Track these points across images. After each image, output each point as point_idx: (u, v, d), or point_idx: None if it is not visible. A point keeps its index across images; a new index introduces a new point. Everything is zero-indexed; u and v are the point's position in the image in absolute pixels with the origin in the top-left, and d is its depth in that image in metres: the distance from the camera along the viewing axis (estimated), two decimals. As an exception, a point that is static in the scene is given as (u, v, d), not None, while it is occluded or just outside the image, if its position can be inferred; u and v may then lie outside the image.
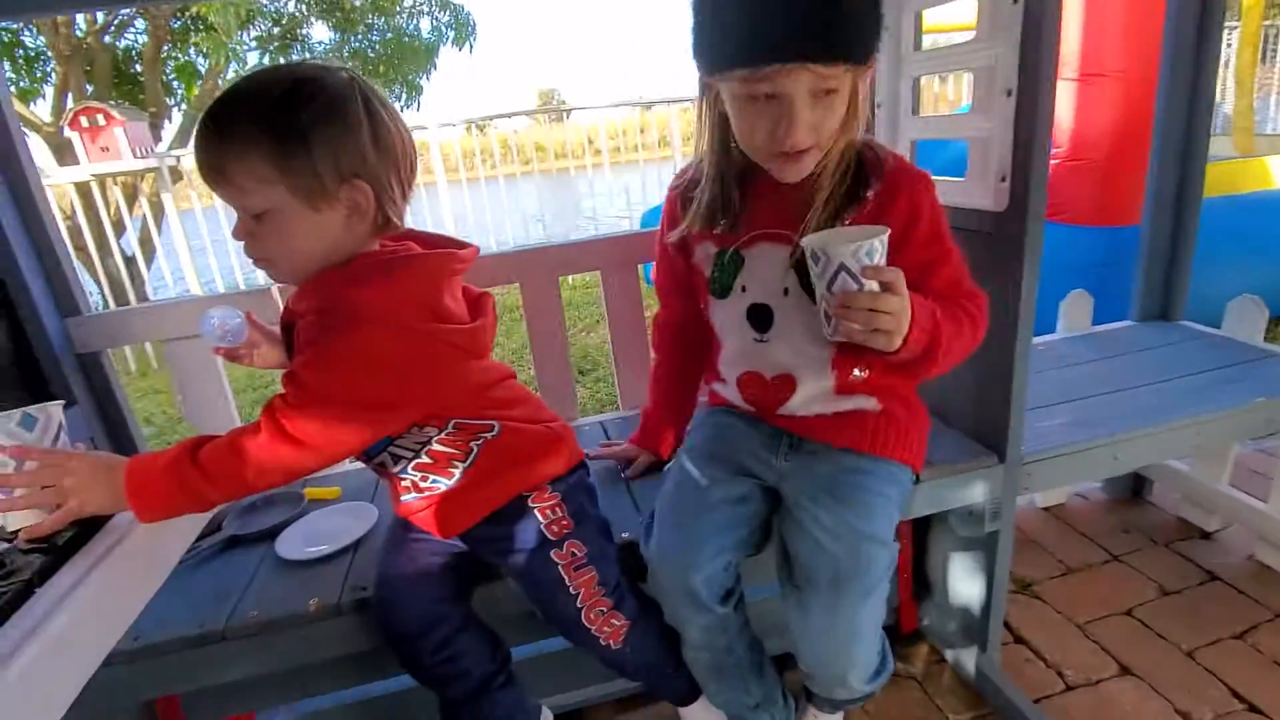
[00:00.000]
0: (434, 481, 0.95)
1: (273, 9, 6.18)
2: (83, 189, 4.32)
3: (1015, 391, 1.08)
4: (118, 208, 4.72)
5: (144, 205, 4.87)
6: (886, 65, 1.23)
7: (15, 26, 5.14)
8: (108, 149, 4.17)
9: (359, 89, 0.81)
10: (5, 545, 0.77)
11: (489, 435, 0.94)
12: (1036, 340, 1.58)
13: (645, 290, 1.39)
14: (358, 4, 6.34)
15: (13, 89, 5.35)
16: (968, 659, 1.32)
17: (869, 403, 1.00)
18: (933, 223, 0.93)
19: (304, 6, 6.24)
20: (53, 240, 1.19)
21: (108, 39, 5.49)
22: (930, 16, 1.21)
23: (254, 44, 6.07)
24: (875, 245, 0.78)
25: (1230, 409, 1.27)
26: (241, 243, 0.83)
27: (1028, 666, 1.36)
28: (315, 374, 0.80)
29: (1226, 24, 1.59)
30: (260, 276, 1.03)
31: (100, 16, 5.22)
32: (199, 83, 5.83)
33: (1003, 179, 1.02)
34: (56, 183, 4.22)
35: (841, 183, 0.91)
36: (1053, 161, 1.00)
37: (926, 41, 1.22)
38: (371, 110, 0.81)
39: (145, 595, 0.85)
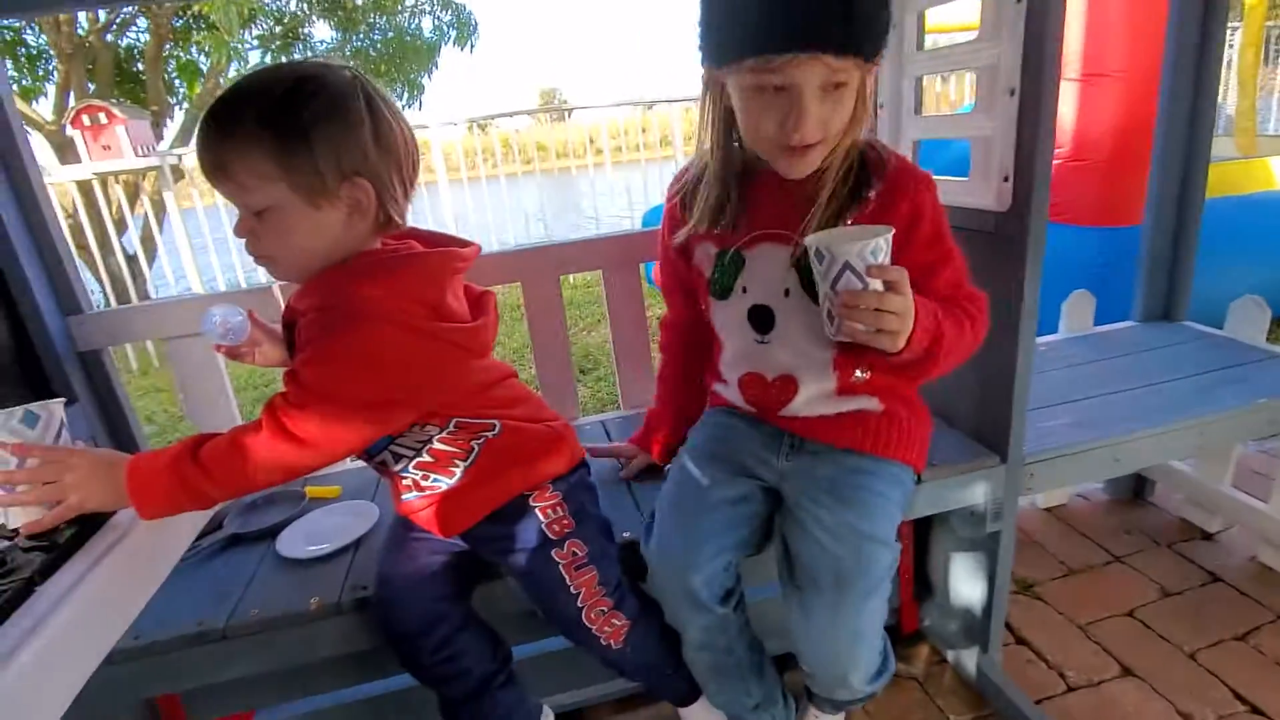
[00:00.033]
0: (435, 480, 0.95)
1: (274, 8, 6.19)
2: (84, 187, 4.32)
3: (1017, 392, 1.08)
4: (119, 206, 4.72)
5: (146, 204, 4.86)
6: (889, 65, 1.23)
7: (18, 25, 5.15)
8: (109, 147, 4.17)
9: (361, 87, 0.81)
10: (6, 543, 0.77)
11: (490, 434, 0.94)
12: (1038, 340, 1.58)
13: (647, 289, 1.39)
14: (359, 3, 6.34)
15: (15, 87, 5.36)
16: (969, 660, 1.32)
17: (871, 403, 1.00)
18: (935, 224, 0.92)
19: (306, 5, 6.24)
20: (54, 238, 1.19)
21: (110, 37, 5.50)
22: (930, 17, 1.21)
23: (256, 43, 6.07)
24: (880, 244, 0.78)
25: (1232, 410, 1.27)
26: (243, 240, 0.83)
27: (1029, 667, 1.35)
28: (316, 372, 0.80)
29: (1229, 24, 1.58)
30: (262, 274, 1.03)
31: (102, 15, 5.22)
32: (201, 81, 5.84)
33: (1005, 179, 1.02)
34: (58, 181, 4.22)
35: (844, 182, 0.91)
36: (1055, 162, 0.99)
37: (927, 42, 1.22)
38: (374, 108, 0.81)
39: (146, 593, 0.85)
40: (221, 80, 5.54)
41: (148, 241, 4.95)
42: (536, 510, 0.96)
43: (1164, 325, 1.67)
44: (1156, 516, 1.75)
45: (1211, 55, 1.48)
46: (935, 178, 0.96)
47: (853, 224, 0.91)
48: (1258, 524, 1.54)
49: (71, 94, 5.31)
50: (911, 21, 1.18)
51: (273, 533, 1.14)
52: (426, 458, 0.93)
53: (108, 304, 4.45)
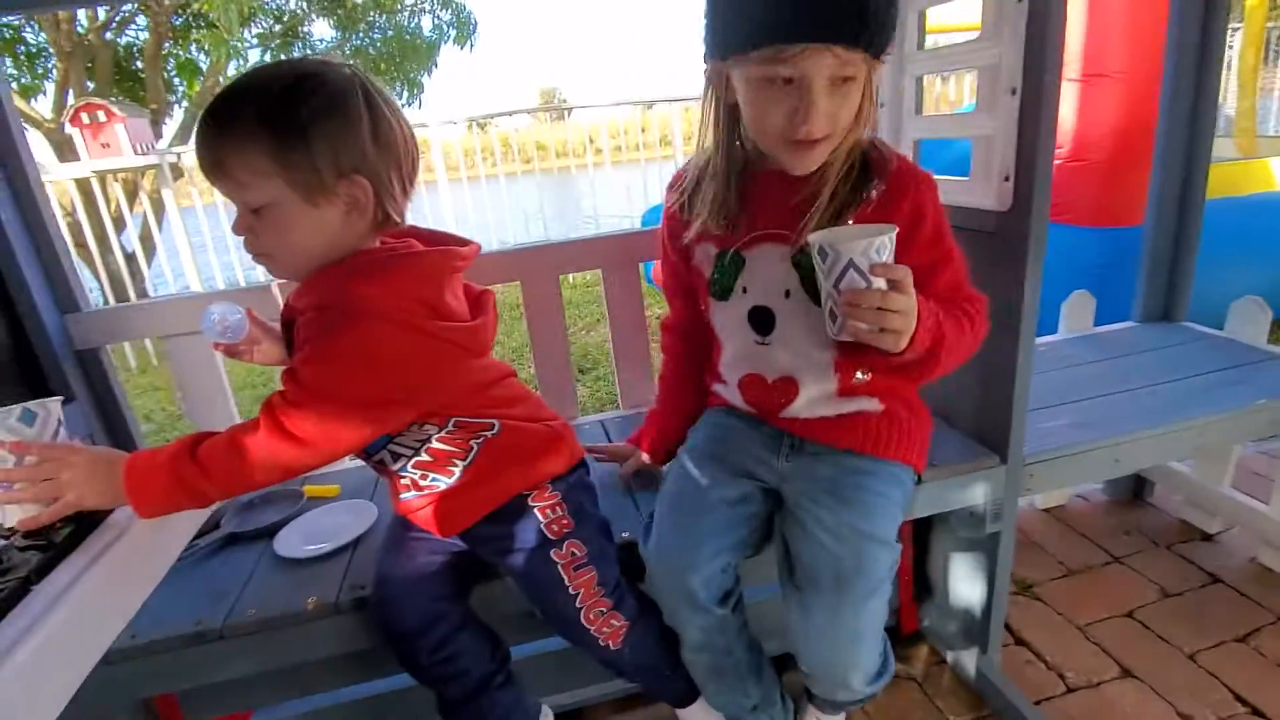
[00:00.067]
0: (433, 480, 0.94)
1: (274, 6, 6.19)
2: (83, 185, 4.32)
3: (1017, 392, 1.08)
4: (118, 204, 4.72)
5: (145, 202, 4.86)
6: (889, 64, 1.23)
7: (17, 23, 5.14)
8: (109, 145, 4.16)
9: (360, 85, 0.81)
10: (2, 542, 0.76)
11: (489, 434, 0.93)
12: (1038, 341, 1.58)
13: (646, 289, 1.39)
14: (359, 1, 6.34)
15: (14, 85, 5.35)
16: (968, 660, 1.31)
17: (871, 404, 1.00)
18: (936, 225, 0.92)
19: (305, 3, 6.24)
20: (52, 236, 1.18)
21: (109, 35, 5.49)
22: (930, 17, 1.21)
23: (255, 41, 6.07)
24: (885, 242, 0.77)
25: (1232, 411, 1.27)
26: (241, 238, 0.82)
27: (1028, 668, 1.35)
28: (314, 370, 0.80)
29: (1230, 25, 1.58)
30: (261, 273, 1.03)
31: (102, 13, 5.22)
32: (200, 80, 5.83)
33: (1006, 178, 1.01)
34: (57, 179, 4.22)
35: (846, 180, 0.91)
36: (1055, 162, 0.99)
37: (927, 42, 1.22)
38: (372, 106, 0.81)
39: (143, 593, 0.84)
40: (221, 79, 5.53)
41: (146, 240, 4.94)
42: (535, 510, 0.95)
43: (1164, 326, 1.67)
44: (1156, 517, 1.75)
45: (1212, 55, 1.48)
46: (936, 177, 0.95)
47: (854, 223, 0.90)
48: (1258, 525, 1.53)
49: (71, 92, 5.30)
50: (912, 20, 1.18)
51: (270, 532, 1.14)
52: (425, 457, 0.93)
53: (106, 303, 4.45)
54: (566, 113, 6.90)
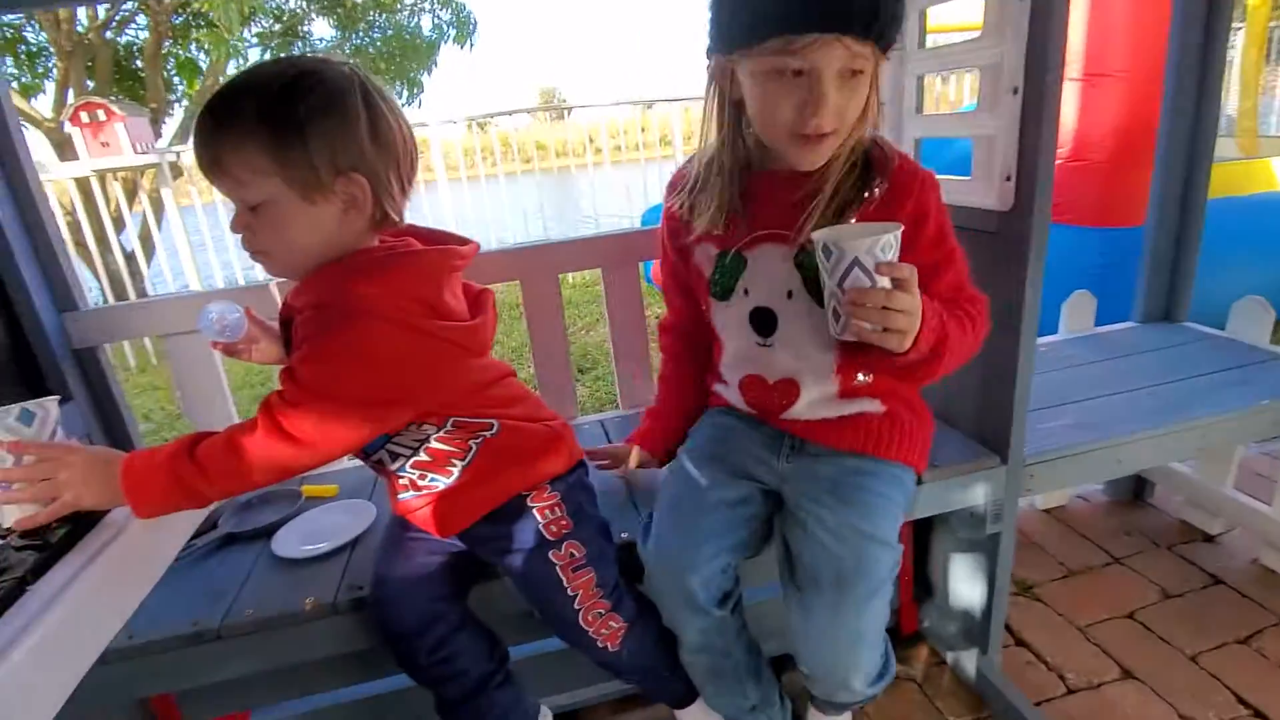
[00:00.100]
0: (432, 480, 0.94)
1: (274, 5, 6.19)
2: (83, 184, 4.31)
3: (1018, 392, 1.08)
4: (118, 204, 4.72)
5: (144, 201, 4.86)
6: (891, 63, 1.22)
7: (18, 22, 5.14)
8: (108, 144, 4.16)
9: (359, 83, 0.80)
10: (-1, 542, 0.76)
11: (488, 434, 0.93)
12: (1039, 341, 1.57)
13: (646, 288, 1.39)
14: (359, 1, 6.34)
15: (14, 84, 5.35)
16: (968, 661, 1.31)
17: (873, 405, 0.99)
18: (939, 225, 0.92)
19: (305, 2, 6.24)
20: (50, 235, 1.18)
21: (109, 35, 5.49)
22: (930, 17, 1.21)
23: (255, 40, 6.07)
24: (890, 240, 0.77)
25: (1235, 411, 1.26)
26: (239, 235, 0.82)
27: (1028, 669, 1.35)
28: (312, 370, 0.79)
29: (1232, 24, 1.58)
30: (260, 272, 1.03)
31: (102, 12, 5.22)
32: (200, 79, 5.84)
33: (1008, 178, 1.01)
34: (57, 178, 4.21)
35: (848, 177, 0.90)
36: (1056, 162, 0.99)
37: (927, 42, 1.21)
38: (371, 104, 0.80)
39: (140, 593, 0.84)
40: (221, 78, 5.53)
41: (146, 239, 4.94)
42: (534, 510, 0.95)
43: (1165, 326, 1.67)
44: (1157, 518, 1.75)
45: (1215, 55, 1.47)
46: (937, 177, 0.95)
47: (856, 221, 0.90)
48: (1260, 526, 1.53)
49: (70, 91, 5.30)
50: (913, 19, 1.18)
51: (268, 532, 1.13)
52: (424, 457, 0.92)
53: (105, 302, 4.44)
54: (566, 112, 6.92)
